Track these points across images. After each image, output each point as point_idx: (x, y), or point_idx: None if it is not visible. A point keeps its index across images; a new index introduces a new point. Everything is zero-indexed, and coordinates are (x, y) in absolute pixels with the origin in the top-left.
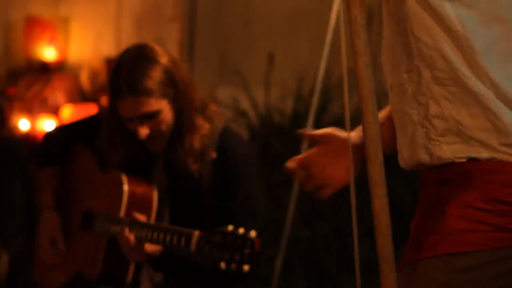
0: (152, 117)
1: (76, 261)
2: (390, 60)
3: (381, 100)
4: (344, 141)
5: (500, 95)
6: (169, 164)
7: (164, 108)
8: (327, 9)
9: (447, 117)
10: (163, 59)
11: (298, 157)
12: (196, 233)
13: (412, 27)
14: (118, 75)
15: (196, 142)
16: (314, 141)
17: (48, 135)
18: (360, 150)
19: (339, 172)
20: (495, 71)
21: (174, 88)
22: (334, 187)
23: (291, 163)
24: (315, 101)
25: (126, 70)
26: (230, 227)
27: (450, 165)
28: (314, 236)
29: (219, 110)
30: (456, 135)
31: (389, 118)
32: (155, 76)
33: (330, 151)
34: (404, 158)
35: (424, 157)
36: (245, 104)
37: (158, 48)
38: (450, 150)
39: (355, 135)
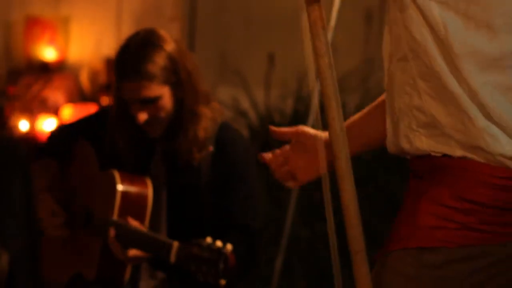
0: (151, 102)
1: (75, 261)
2: (388, 47)
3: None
4: (313, 138)
5: (476, 100)
6: (168, 156)
7: (164, 94)
8: (327, 9)
9: (427, 112)
10: (169, 46)
11: (274, 152)
12: (176, 244)
13: (405, 19)
14: (124, 56)
15: (200, 132)
16: (286, 139)
17: (54, 131)
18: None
19: (309, 167)
20: (474, 76)
21: (177, 76)
22: (301, 181)
23: (266, 155)
24: (315, 101)
25: (132, 53)
26: (208, 240)
27: (425, 158)
28: (314, 236)
29: (219, 107)
30: (434, 129)
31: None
32: (159, 62)
33: (301, 147)
34: (390, 144)
35: (405, 146)
36: (245, 104)
37: (166, 35)
38: (428, 143)
39: (325, 134)
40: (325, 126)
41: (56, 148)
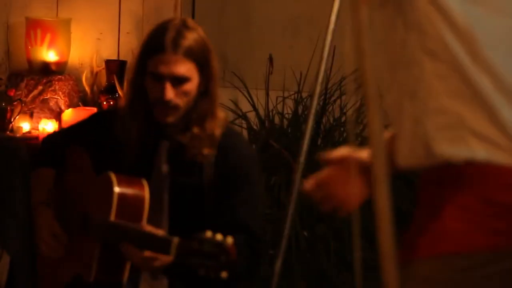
0: (182, 81)
1: (74, 263)
2: (386, 57)
3: None
4: (358, 162)
5: (502, 89)
6: (173, 154)
7: (194, 79)
8: (327, 11)
9: (446, 112)
10: (202, 33)
11: (315, 177)
12: (175, 239)
13: (417, 20)
14: (162, 34)
15: (215, 129)
16: (331, 163)
17: (47, 138)
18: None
19: (354, 193)
20: (500, 64)
21: (207, 65)
22: (350, 207)
23: (308, 184)
24: (315, 103)
25: (172, 31)
26: (209, 233)
27: (447, 166)
28: (314, 237)
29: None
30: (455, 130)
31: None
32: (196, 44)
33: (345, 172)
34: (403, 155)
35: (422, 153)
36: (245, 105)
37: (200, 27)
38: (448, 147)
39: (366, 155)
40: (324, 128)
41: (50, 156)
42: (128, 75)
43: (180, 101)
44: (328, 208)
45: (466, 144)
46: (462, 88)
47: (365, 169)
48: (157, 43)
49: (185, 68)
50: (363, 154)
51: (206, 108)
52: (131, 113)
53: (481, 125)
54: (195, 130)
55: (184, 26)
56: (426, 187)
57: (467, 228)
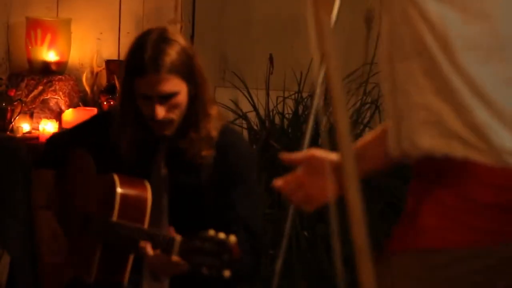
0: (170, 97)
1: (75, 264)
2: (386, 49)
3: None
4: (324, 160)
5: (478, 94)
6: (171, 156)
7: (182, 91)
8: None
9: (429, 109)
10: (182, 42)
11: (285, 178)
12: (178, 238)
13: (406, 17)
14: (141, 53)
15: (211, 130)
16: (297, 163)
17: (50, 139)
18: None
19: (324, 190)
20: (475, 69)
21: (191, 71)
22: (317, 205)
23: (278, 182)
24: (315, 103)
25: (150, 49)
26: (211, 232)
27: (428, 160)
28: (315, 237)
29: (221, 110)
30: (436, 126)
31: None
32: (176, 56)
33: (314, 171)
34: (393, 146)
35: (408, 146)
36: (245, 105)
37: (177, 32)
38: (430, 142)
39: (336, 156)
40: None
41: (53, 157)
42: (118, 91)
43: (173, 115)
44: (296, 203)
45: (446, 141)
46: (442, 88)
47: (334, 168)
48: (137, 65)
49: (170, 84)
50: (330, 154)
51: (198, 110)
52: (122, 129)
53: (457, 126)
54: (192, 134)
55: (162, 39)
56: (414, 180)
57: (443, 224)
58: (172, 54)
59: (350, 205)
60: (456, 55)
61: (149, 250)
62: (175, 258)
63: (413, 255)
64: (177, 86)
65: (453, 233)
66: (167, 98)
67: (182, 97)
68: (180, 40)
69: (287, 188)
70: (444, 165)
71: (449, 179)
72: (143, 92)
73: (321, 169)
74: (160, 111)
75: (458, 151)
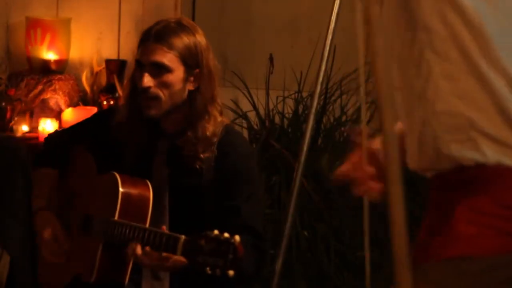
0: (161, 68)
1: (75, 264)
2: (395, 58)
3: None
4: (370, 152)
5: None
6: (172, 157)
7: (177, 72)
8: (328, 11)
9: (455, 113)
10: (200, 37)
11: (342, 168)
12: (182, 237)
13: (425, 19)
14: (152, 26)
15: (209, 131)
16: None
17: (49, 138)
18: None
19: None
20: (510, 62)
21: (198, 65)
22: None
23: (337, 174)
24: (315, 102)
25: (162, 25)
26: (216, 232)
27: (457, 169)
28: (315, 237)
29: (223, 111)
30: (464, 132)
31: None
32: (185, 42)
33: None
34: (412, 158)
35: (432, 156)
36: (245, 105)
37: (199, 28)
38: (458, 149)
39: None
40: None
41: (53, 155)
42: (122, 87)
43: (160, 92)
44: (359, 191)
45: (476, 146)
46: (472, 88)
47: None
48: (144, 34)
49: (165, 58)
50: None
51: (199, 108)
52: (129, 114)
53: (493, 126)
54: (189, 133)
55: (177, 22)
56: (437, 191)
57: (479, 231)
58: (182, 37)
59: (393, 214)
60: (493, 52)
61: (138, 250)
62: (178, 257)
63: (450, 264)
64: (171, 63)
65: (489, 239)
66: (158, 70)
67: (175, 78)
68: (198, 34)
69: (340, 176)
70: (475, 172)
71: (482, 186)
72: (138, 58)
73: (374, 162)
74: (147, 80)
75: (491, 156)
